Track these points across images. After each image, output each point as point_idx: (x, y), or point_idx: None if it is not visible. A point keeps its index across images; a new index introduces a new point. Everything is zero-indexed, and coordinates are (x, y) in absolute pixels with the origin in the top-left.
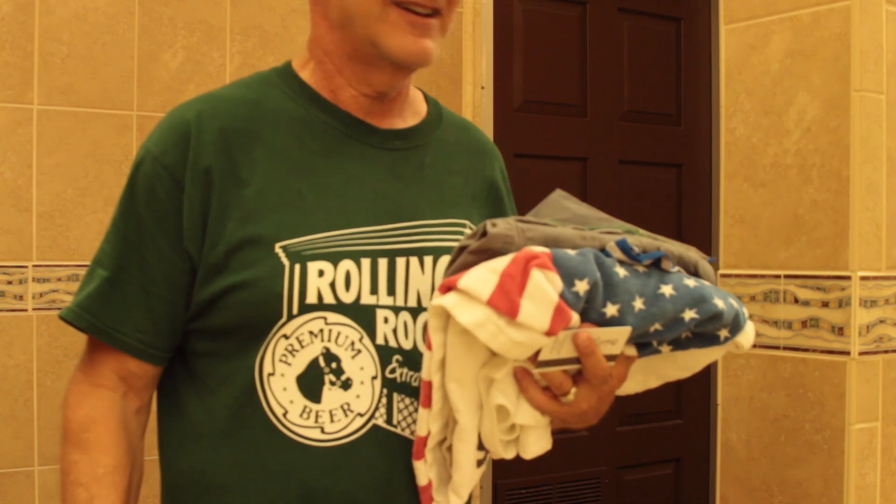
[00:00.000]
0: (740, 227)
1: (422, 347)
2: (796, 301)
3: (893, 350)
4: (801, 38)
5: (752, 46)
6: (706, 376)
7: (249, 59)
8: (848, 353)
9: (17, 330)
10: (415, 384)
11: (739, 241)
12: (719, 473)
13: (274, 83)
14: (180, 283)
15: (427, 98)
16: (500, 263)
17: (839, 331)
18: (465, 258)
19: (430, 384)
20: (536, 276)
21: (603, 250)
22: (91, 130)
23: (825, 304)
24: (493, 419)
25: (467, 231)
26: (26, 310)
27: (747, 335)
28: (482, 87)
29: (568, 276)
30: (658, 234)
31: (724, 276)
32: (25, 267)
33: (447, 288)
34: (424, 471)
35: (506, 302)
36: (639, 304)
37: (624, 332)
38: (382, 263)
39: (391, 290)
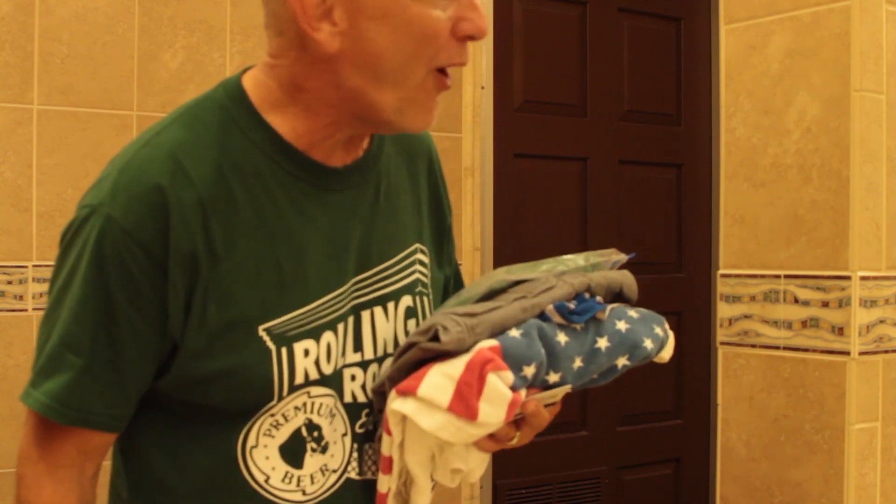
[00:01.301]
0: (740, 227)
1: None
2: (796, 301)
3: (893, 350)
4: (801, 38)
5: (752, 46)
6: (706, 376)
7: (249, 59)
8: (848, 353)
9: (17, 330)
10: (380, 430)
11: (739, 241)
12: (719, 473)
13: (235, 124)
14: (154, 356)
15: None
16: (456, 369)
17: (839, 331)
18: (416, 353)
19: (390, 459)
20: (492, 380)
21: (542, 315)
22: (91, 130)
23: (825, 304)
24: (447, 475)
25: (419, 256)
26: (26, 310)
27: (668, 349)
28: (482, 87)
29: (517, 364)
30: (586, 254)
31: (724, 276)
32: (25, 267)
33: (404, 392)
34: None
35: (465, 408)
36: (577, 363)
37: (564, 389)
38: (350, 322)
39: (357, 347)
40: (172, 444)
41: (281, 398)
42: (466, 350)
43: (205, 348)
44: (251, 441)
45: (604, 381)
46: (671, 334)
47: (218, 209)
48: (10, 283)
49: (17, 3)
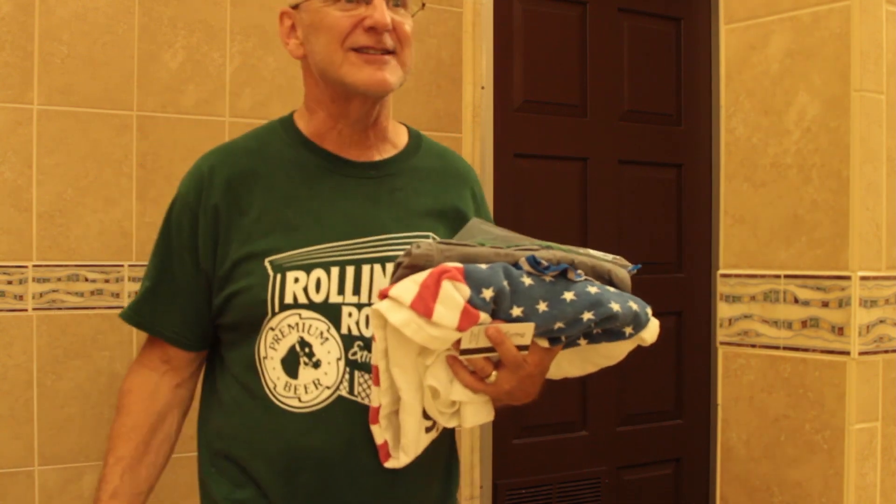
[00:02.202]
0: (740, 227)
1: None
2: (796, 301)
3: (893, 350)
4: (801, 38)
5: (752, 46)
6: (706, 376)
7: (249, 59)
8: (848, 353)
9: (17, 330)
10: (372, 363)
11: (739, 241)
12: (719, 473)
13: (277, 132)
14: (201, 290)
15: (410, 132)
16: (421, 276)
17: (839, 331)
18: (401, 272)
19: (377, 368)
20: (446, 286)
21: (515, 264)
22: (91, 130)
23: (825, 304)
24: (429, 397)
25: (432, 238)
26: (26, 310)
27: (650, 331)
28: (482, 87)
29: (476, 286)
30: (588, 249)
31: (724, 275)
32: (25, 267)
33: (383, 295)
34: (380, 433)
35: (423, 306)
36: (542, 306)
37: (528, 327)
38: (350, 270)
39: (356, 291)
40: (222, 366)
41: (275, 313)
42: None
43: (228, 275)
44: (262, 351)
45: (571, 334)
46: (655, 320)
47: (244, 180)
48: (10, 283)
49: (17, 3)
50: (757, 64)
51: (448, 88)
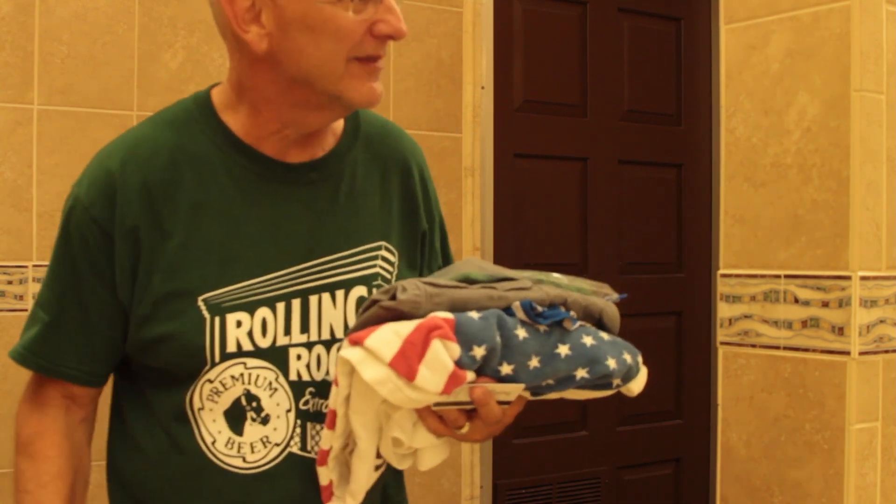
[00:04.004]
0: (740, 227)
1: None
2: (796, 301)
3: (893, 350)
4: (801, 38)
5: (752, 46)
6: (706, 376)
7: None
8: (848, 353)
9: (17, 330)
10: (325, 410)
11: (739, 241)
12: (719, 473)
13: (196, 123)
14: (117, 320)
15: None
16: (406, 328)
17: (839, 331)
18: (377, 311)
19: (335, 412)
20: (436, 345)
21: (507, 309)
22: (91, 130)
23: (825, 304)
24: (389, 445)
25: (382, 253)
26: (26, 310)
27: (639, 382)
28: (482, 87)
29: (467, 342)
30: (573, 278)
31: (724, 276)
32: (25, 267)
33: (354, 341)
34: (326, 474)
35: (405, 367)
36: (534, 362)
37: (517, 388)
38: (296, 304)
39: (304, 328)
40: (141, 405)
41: (214, 364)
42: (422, 315)
43: (149, 314)
44: (196, 402)
45: (561, 391)
46: (644, 369)
47: (165, 192)
48: (10, 283)
49: (17, 3)
50: (757, 64)
51: (448, 88)
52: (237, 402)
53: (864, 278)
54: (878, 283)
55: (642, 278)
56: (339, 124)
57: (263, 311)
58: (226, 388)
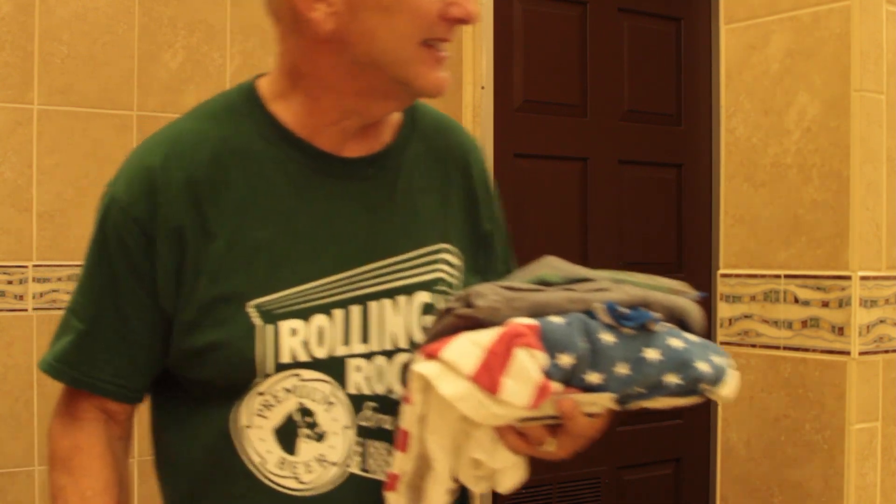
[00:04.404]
0: (740, 227)
1: (397, 389)
2: (796, 301)
3: (893, 350)
4: (801, 38)
5: (752, 46)
6: None
7: (249, 59)
8: (848, 353)
9: (17, 330)
10: (388, 427)
11: (739, 241)
12: (719, 473)
13: (242, 115)
14: (158, 328)
15: None
16: (486, 337)
17: (839, 331)
18: (451, 321)
19: (407, 433)
20: (520, 355)
21: (588, 312)
22: (91, 130)
23: (825, 304)
24: (468, 467)
25: (444, 256)
26: (26, 310)
27: (729, 385)
28: (482, 87)
29: (552, 350)
30: (653, 276)
31: (724, 275)
32: (25, 267)
33: (429, 354)
34: (396, 500)
35: (488, 379)
36: (622, 369)
37: (606, 398)
38: (355, 311)
39: (364, 338)
40: (181, 421)
41: (266, 376)
42: (501, 323)
43: (195, 320)
44: (243, 419)
45: (650, 399)
46: (735, 372)
47: (211, 189)
48: (10, 283)
49: (17, 3)
50: (757, 64)
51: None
52: (289, 417)
53: (864, 278)
54: (878, 283)
55: None
56: (396, 117)
57: (320, 319)
58: (278, 402)
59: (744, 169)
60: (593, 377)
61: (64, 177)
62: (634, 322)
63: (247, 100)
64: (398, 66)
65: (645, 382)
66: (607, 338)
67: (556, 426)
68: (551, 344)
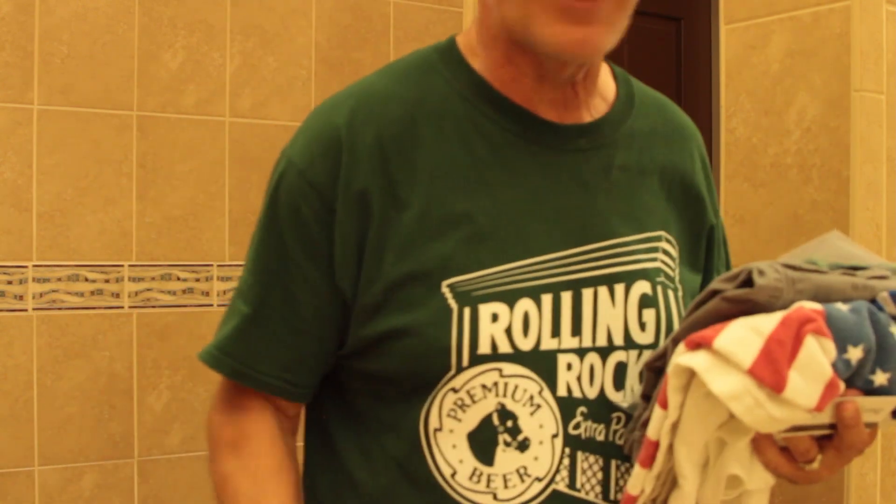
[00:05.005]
0: (740, 227)
1: (610, 394)
2: None
3: None
4: (801, 38)
5: (752, 46)
6: None
7: (249, 59)
8: None
9: (17, 330)
10: (599, 438)
11: (739, 241)
12: None
13: (437, 71)
14: (332, 316)
15: (615, 74)
16: (767, 323)
17: None
18: (718, 304)
19: (656, 444)
20: (811, 344)
21: (873, 301)
22: (91, 130)
23: None
24: (720, 485)
25: (664, 245)
26: (26, 310)
27: None
28: None
29: (841, 341)
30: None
31: None
32: (25, 267)
33: (696, 344)
34: None
35: (771, 373)
36: None
37: (891, 402)
38: (566, 298)
39: (576, 330)
40: (358, 428)
41: (461, 369)
42: (780, 308)
43: (380, 302)
44: (433, 421)
45: None
46: None
47: (402, 151)
48: (10, 283)
49: (17, 3)
50: (757, 64)
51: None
52: (487, 420)
53: None
54: None
55: None
56: (610, 89)
57: (526, 304)
58: (474, 402)
59: (744, 169)
60: (880, 377)
61: (64, 177)
62: None
63: (444, 55)
64: (519, 24)
65: None
66: None
67: (822, 440)
68: (840, 334)
